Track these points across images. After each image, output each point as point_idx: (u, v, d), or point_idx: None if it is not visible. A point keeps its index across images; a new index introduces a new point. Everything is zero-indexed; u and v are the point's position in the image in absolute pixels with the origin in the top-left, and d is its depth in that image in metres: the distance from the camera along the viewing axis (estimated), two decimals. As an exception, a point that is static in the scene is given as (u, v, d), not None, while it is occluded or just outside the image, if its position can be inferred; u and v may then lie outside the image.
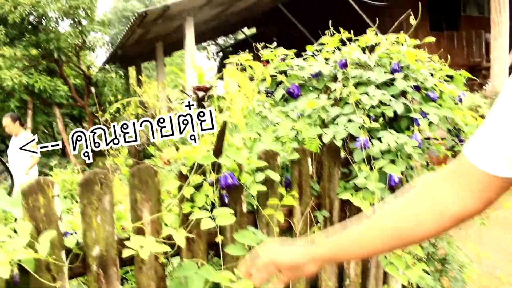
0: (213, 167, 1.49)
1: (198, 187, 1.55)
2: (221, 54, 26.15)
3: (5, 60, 10.80)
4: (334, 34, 2.32)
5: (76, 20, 11.53)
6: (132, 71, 18.59)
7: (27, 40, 11.21)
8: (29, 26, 11.40)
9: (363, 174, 1.78)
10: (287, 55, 2.34)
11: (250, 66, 2.05)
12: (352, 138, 1.97)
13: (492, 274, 3.60)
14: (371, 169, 1.81)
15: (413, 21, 2.18)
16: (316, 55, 2.35)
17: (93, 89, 11.80)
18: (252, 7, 12.88)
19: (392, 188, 2.05)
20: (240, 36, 25.15)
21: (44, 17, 11.21)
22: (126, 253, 1.31)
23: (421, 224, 0.87)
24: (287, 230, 1.90)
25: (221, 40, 28.68)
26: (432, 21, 13.03)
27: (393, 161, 1.86)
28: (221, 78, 2.05)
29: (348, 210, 2.04)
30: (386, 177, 1.85)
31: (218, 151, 1.46)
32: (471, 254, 2.87)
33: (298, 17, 14.01)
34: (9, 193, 3.33)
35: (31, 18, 11.22)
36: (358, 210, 2.04)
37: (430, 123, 2.01)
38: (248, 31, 21.90)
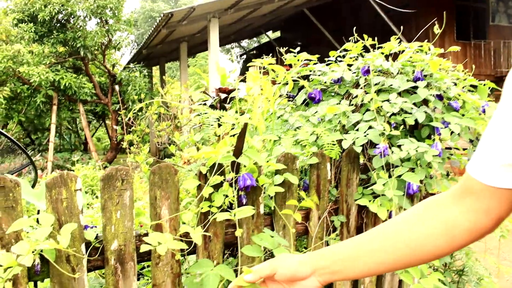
0: (232, 167, 1.51)
1: (217, 187, 1.57)
2: (244, 56, 26.25)
3: (34, 56, 11.07)
4: (358, 40, 2.32)
5: (103, 19, 11.74)
6: (156, 70, 18.81)
7: (55, 37, 11.47)
8: (58, 24, 11.65)
9: (381, 181, 1.78)
10: (310, 60, 2.35)
11: (273, 70, 2.07)
12: (372, 144, 1.97)
13: (511, 289, 3.54)
14: (389, 176, 1.81)
15: (437, 30, 2.17)
16: (339, 61, 2.35)
17: (117, 87, 11.97)
18: (277, 11, 12.92)
19: (411, 196, 2.04)
20: (264, 39, 25.22)
21: (72, 16, 11.45)
22: (143, 248, 1.34)
23: (432, 243, 0.85)
24: (303, 234, 1.91)
25: (244, 43, 28.81)
26: (459, 29, 12.88)
27: (412, 170, 1.86)
28: (244, 80, 2.08)
29: (365, 216, 2.04)
30: (404, 185, 1.84)
31: (238, 151, 1.47)
32: (491, 268, 2.83)
33: (323, 22, 13.99)
34: (33, 186, 3.41)
35: (60, 16, 11.47)
36: (375, 216, 2.04)
37: (451, 133, 1.99)
38: (272, 35, 21.96)
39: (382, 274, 2.15)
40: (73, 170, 6.41)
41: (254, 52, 22.65)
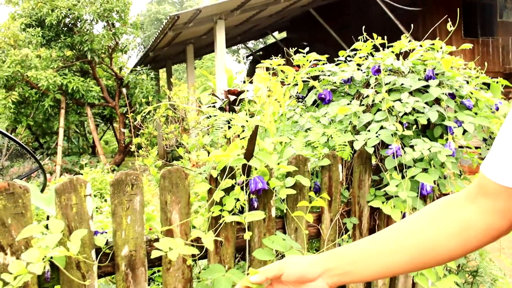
0: (243, 170, 1.48)
1: (228, 191, 1.55)
2: (251, 58, 26.25)
3: (41, 61, 11.13)
4: (367, 40, 2.29)
5: (110, 22, 11.78)
6: (162, 73, 18.85)
7: (62, 41, 11.52)
8: (65, 28, 11.70)
9: (394, 182, 1.75)
10: (319, 60, 2.33)
11: (282, 71, 2.05)
12: (384, 145, 1.94)
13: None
14: (402, 177, 1.78)
15: (450, 27, 2.14)
16: (348, 61, 2.33)
17: (124, 90, 12.01)
18: (283, 11, 12.91)
19: (424, 197, 2.01)
20: (270, 40, 25.20)
21: (79, 20, 11.50)
22: (154, 254, 1.32)
23: (446, 245, 0.83)
24: (315, 237, 1.88)
25: (251, 44, 28.82)
26: (466, 26, 12.78)
27: (425, 170, 1.83)
28: (252, 82, 2.06)
29: (377, 218, 2.01)
30: (417, 185, 1.81)
31: (249, 154, 1.45)
32: (506, 268, 2.78)
33: (329, 22, 13.95)
34: (42, 190, 3.41)
35: (67, 20, 11.52)
36: (387, 218, 2.01)
37: (464, 132, 1.96)
38: (278, 35, 21.93)
39: (396, 276, 2.12)
40: (82, 174, 6.42)
41: (261, 53, 22.63)
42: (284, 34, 21.79)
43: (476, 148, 2.59)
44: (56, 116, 12.21)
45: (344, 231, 1.93)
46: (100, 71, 13.53)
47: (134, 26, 12.39)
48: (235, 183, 1.51)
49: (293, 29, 18.89)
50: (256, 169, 1.53)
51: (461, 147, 2.53)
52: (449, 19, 2.43)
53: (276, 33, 21.26)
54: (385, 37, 2.27)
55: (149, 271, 2.02)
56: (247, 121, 1.45)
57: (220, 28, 10.23)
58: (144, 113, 1.95)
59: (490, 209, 0.79)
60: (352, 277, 0.89)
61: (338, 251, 0.92)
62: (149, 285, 2.01)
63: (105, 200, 5.86)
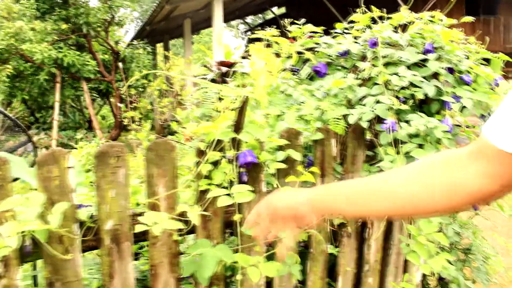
0: (233, 143, 1.43)
1: (216, 164, 1.50)
2: (249, 33, 25.94)
3: (36, 34, 10.94)
4: (365, 12, 2.21)
5: (106, -5, 11.56)
6: (160, 47, 18.63)
7: (58, 14, 11.30)
8: (60, 0, 11.47)
9: (388, 157, 1.70)
10: (316, 33, 2.25)
11: (277, 43, 1.98)
12: (379, 120, 1.88)
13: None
14: (397, 153, 1.73)
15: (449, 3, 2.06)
16: (345, 33, 2.25)
17: (120, 65, 11.86)
18: (282, -14, 12.67)
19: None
20: (269, 15, 24.86)
21: (74, -8, 11.27)
22: (138, 229, 1.28)
23: (434, 196, 0.83)
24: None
25: (250, 20, 28.46)
26: (468, 5, 12.58)
27: (421, 146, 1.78)
28: (245, 57, 1.99)
29: (371, 194, 1.96)
30: (412, 161, 1.76)
31: (238, 126, 1.40)
32: (498, 247, 2.76)
33: (330, -2, 13.71)
34: (32, 165, 3.36)
35: (62, -8, 11.30)
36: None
37: (463, 108, 1.90)
38: (278, 11, 21.62)
39: (388, 254, 2.09)
40: (76, 148, 6.37)
41: (259, 28, 22.34)
42: (283, 10, 21.48)
43: (474, 126, 2.54)
44: (51, 90, 12.07)
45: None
46: (96, 45, 13.32)
47: (131, 0, 12.18)
48: (224, 157, 1.46)
49: (292, 4, 18.61)
50: (246, 142, 1.48)
51: (457, 125, 2.48)
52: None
53: (275, 9, 20.96)
54: (385, 10, 2.20)
55: (137, 246, 1.99)
56: (237, 92, 1.39)
57: (218, 2, 10.04)
58: (132, 82, 1.88)
59: (484, 172, 0.79)
60: (337, 211, 0.96)
61: (324, 186, 0.98)
62: (137, 259, 1.98)
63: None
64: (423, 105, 2.01)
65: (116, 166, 1.40)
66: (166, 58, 16.19)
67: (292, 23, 2.30)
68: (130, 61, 12.24)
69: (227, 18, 16.56)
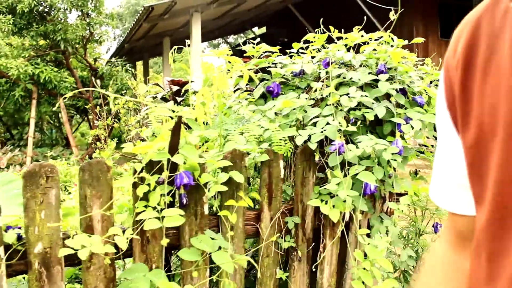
0: (168, 164, 1.39)
1: (154, 186, 1.45)
2: (230, 52, 26.05)
3: (13, 49, 10.80)
4: (324, 32, 2.21)
5: (84, 12, 11.50)
6: (140, 66, 18.59)
7: (35, 30, 11.19)
8: (37, 16, 11.38)
9: (335, 180, 1.67)
10: (272, 52, 2.24)
11: (229, 62, 1.96)
12: (331, 141, 1.86)
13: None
14: (344, 175, 1.70)
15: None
16: (302, 53, 2.25)
17: (98, 82, 11.75)
18: (261, 6, 12.79)
19: (371, 196, 1.94)
20: (251, 35, 25.06)
21: (52, 8, 11.19)
22: (62, 253, 1.22)
23: None
24: (255, 236, 1.80)
25: (232, 39, 28.63)
26: (442, 27, 12.84)
27: (371, 168, 1.75)
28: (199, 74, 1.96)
29: (323, 217, 1.93)
30: (362, 184, 1.74)
31: (172, 148, 1.36)
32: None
33: (308, 18, 13.87)
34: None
35: (40, 8, 11.20)
36: (333, 217, 1.93)
37: (413, 129, 1.89)
38: (259, 31, 21.80)
39: (344, 278, 2.05)
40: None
41: (240, 48, 22.45)
42: (264, 30, 21.65)
43: (433, 146, 2.54)
44: (27, 106, 11.89)
45: (286, 231, 1.85)
46: (75, 62, 13.21)
47: (110, 17, 12.13)
48: (158, 177, 1.41)
49: (272, 24, 18.78)
50: (185, 163, 1.43)
51: (426, 146, 2.47)
52: (422, 19, 2.37)
53: (256, 29, 21.13)
54: (343, 31, 2.19)
55: (73, 269, 1.91)
56: (173, 111, 1.35)
57: (196, 21, 10.08)
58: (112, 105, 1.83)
59: (451, 243, 0.73)
60: None
61: None
62: (77, 283, 1.90)
63: (69, 193, 5.70)
64: (377, 127, 2.00)
65: (47, 187, 1.34)
66: (146, 76, 16.15)
67: (274, 45, 2.29)
68: (108, 78, 12.14)
69: (206, 37, 16.62)
